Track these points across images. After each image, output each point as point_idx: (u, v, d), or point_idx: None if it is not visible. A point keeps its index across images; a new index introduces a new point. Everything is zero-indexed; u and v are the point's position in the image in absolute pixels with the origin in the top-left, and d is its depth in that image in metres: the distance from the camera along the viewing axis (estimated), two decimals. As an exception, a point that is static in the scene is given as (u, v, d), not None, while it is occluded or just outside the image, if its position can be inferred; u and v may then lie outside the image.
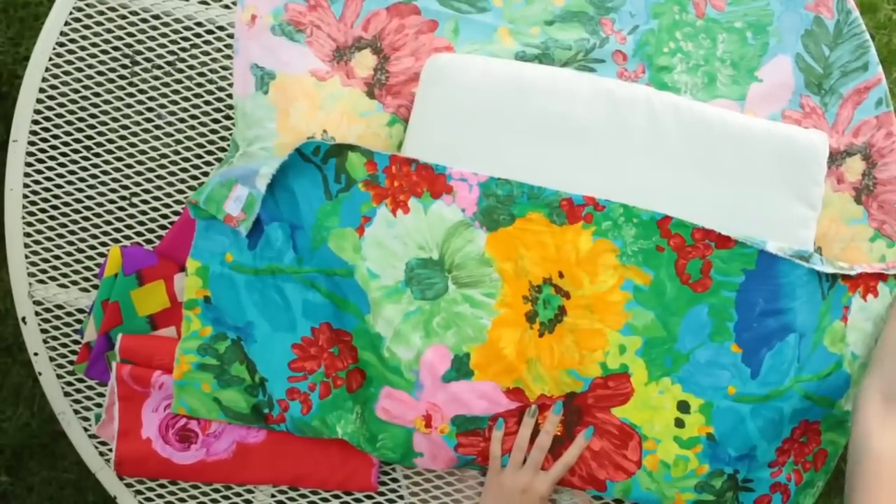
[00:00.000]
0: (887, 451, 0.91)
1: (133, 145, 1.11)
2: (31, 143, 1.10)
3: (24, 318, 1.10)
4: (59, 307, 1.11)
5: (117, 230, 1.11)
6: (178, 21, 1.09)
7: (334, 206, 1.02)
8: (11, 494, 1.63)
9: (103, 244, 1.11)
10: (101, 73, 1.10)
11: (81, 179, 1.10)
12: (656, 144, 1.03)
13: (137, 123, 1.11)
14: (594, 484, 1.04)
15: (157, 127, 1.10)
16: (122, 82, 1.10)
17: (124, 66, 1.10)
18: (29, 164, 1.10)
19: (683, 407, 1.02)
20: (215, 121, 1.10)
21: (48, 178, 1.10)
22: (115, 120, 1.10)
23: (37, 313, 1.11)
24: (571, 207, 1.01)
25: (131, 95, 1.10)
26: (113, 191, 1.11)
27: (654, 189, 1.03)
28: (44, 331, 1.11)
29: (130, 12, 1.09)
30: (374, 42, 1.05)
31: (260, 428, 1.07)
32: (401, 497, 1.12)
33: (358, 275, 1.01)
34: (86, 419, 1.12)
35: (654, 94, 1.04)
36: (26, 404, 1.64)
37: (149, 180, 1.11)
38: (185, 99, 1.10)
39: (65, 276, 1.11)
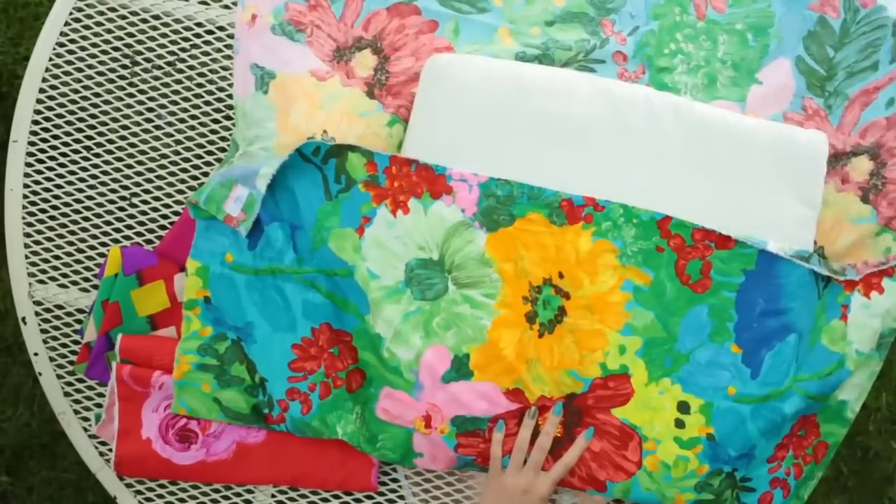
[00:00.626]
0: None
1: (133, 145, 1.11)
2: (31, 143, 1.10)
3: (24, 318, 1.10)
4: (59, 307, 1.11)
5: (117, 230, 1.11)
6: (178, 21, 1.10)
7: (334, 207, 1.02)
8: (11, 494, 1.63)
9: (103, 244, 1.11)
10: (101, 73, 1.10)
11: (81, 179, 1.10)
12: (656, 145, 1.03)
13: (137, 123, 1.11)
14: (594, 484, 1.04)
15: (157, 127, 1.10)
16: (122, 82, 1.10)
17: (124, 66, 1.10)
18: (29, 164, 1.10)
19: (683, 407, 1.02)
20: (215, 121, 1.10)
21: (48, 178, 1.10)
22: (115, 120, 1.10)
23: (37, 313, 1.11)
24: (571, 208, 1.01)
25: (131, 95, 1.10)
26: (113, 191, 1.11)
27: (654, 189, 1.02)
28: (44, 331, 1.11)
29: (130, 12, 1.09)
30: (374, 42, 1.05)
31: (260, 428, 1.07)
32: (401, 497, 1.12)
33: (358, 275, 1.01)
34: (86, 419, 1.12)
35: (654, 94, 1.03)
36: (26, 404, 1.64)
37: (149, 180, 1.11)
38: (185, 99, 1.10)
39: (65, 276, 1.11)
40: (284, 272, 1.03)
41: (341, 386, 1.04)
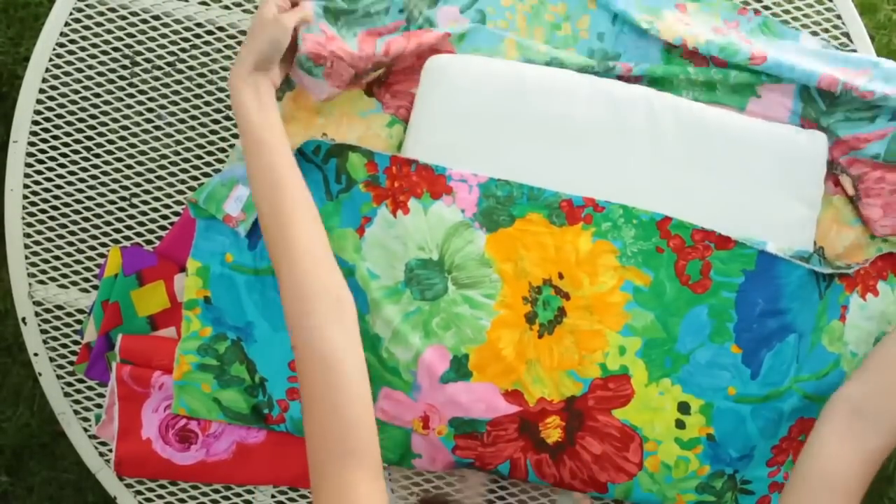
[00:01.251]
0: (830, 469, 0.92)
1: (133, 145, 1.11)
2: (31, 144, 1.10)
3: (24, 319, 1.10)
4: (59, 307, 1.11)
5: (117, 230, 1.11)
6: (178, 21, 1.10)
7: (335, 207, 1.02)
8: (11, 494, 1.63)
9: (103, 244, 1.11)
10: (101, 74, 1.10)
11: (81, 179, 1.10)
12: (656, 145, 1.03)
13: (137, 123, 1.11)
14: (595, 486, 1.04)
15: (157, 127, 1.10)
16: (122, 82, 1.10)
17: (124, 67, 1.10)
18: (29, 165, 1.10)
19: (684, 408, 1.02)
20: (215, 121, 1.10)
21: (48, 179, 1.10)
22: (115, 120, 1.10)
23: (37, 314, 1.11)
24: (571, 208, 1.01)
25: (131, 96, 1.10)
26: (113, 191, 1.11)
27: (653, 190, 1.02)
28: (44, 331, 1.11)
29: (130, 13, 1.09)
30: (391, 62, 1.04)
31: (260, 428, 1.07)
32: (402, 497, 1.12)
33: (358, 275, 1.01)
34: (86, 419, 1.12)
35: (654, 94, 1.03)
36: (26, 404, 1.64)
37: (149, 180, 1.11)
38: (185, 99, 1.10)
39: (65, 276, 1.11)
40: (284, 272, 1.03)
41: (341, 386, 1.04)
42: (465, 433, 1.02)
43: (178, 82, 1.10)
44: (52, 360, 1.11)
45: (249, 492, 1.12)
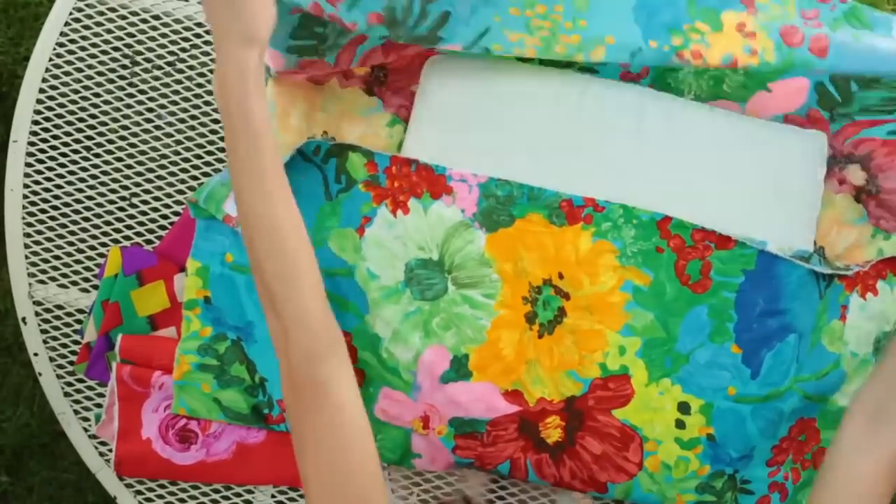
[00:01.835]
0: (854, 475, 0.92)
1: (133, 145, 1.11)
2: (31, 144, 1.10)
3: (24, 319, 1.11)
4: (59, 307, 1.11)
5: (117, 230, 1.11)
6: (178, 21, 1.10)
7: (335, 207, 1.02)
8: (11, 494, 1.63)
9: (103, 244, 1.11)
10: (101, 73, 1.10)
11: (81, 179, 1.10)
12: (654, 146, 1.03)
13: (137, 123, 1.11)
14: (595, 486, 1.04)
15: (157, 127, 1.11)
16: (122, 82, 1.10)
17: (124, 67, 1.10)
18: (29, 165, 1.10)
19: (684, 408, 1.02)
20: (215, 121, 1.10)
21: (48, 179, 1.10)
22: (115, 120, 1.10)
23: (37, 313, 1.11)
24: (571, 208, 1.01)
25: (131, 95, 1.10)
26: (113, 191, 1.11)
27: (653, 191, 1.02)
28: (44, 331, 1.11)
29: (130, 12, 1.09)
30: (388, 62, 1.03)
31: (260, 428, 1.07)
32: (402, 497, 1.12)
33: (358, 275, 1.01)
34: (86, 419, 1.12)
35: (651, 97, 1.03)
36: (26, 404, 1.64)
37: (149, 180, 1.11)
38: (185, 99, 1.10)
39: (65, 276, 1.11)
40: (284, 272, 1.02)
41: (341, 386, 1.04)
42: (465, 433, 1.02)
43: (178, 82, 1.10)
44: (52, 360, 1.11)
45: (249, 492, 1.12)
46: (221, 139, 1.10)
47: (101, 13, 1.09)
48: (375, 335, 1.01)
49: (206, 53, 1.10)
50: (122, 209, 1.11)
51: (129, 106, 1.10)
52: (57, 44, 1.09)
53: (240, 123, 0.78)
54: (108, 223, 1.11)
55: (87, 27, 1.09)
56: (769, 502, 1.05)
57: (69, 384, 1.12)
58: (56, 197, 1.10)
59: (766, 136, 1.03)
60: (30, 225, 1.10)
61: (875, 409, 0.93)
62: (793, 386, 1.02)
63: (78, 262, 1.11)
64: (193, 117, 1.10)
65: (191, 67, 1.10)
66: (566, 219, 1.01)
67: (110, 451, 1.10)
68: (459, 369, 1.00)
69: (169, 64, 1.10)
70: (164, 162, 1.11)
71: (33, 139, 1.10)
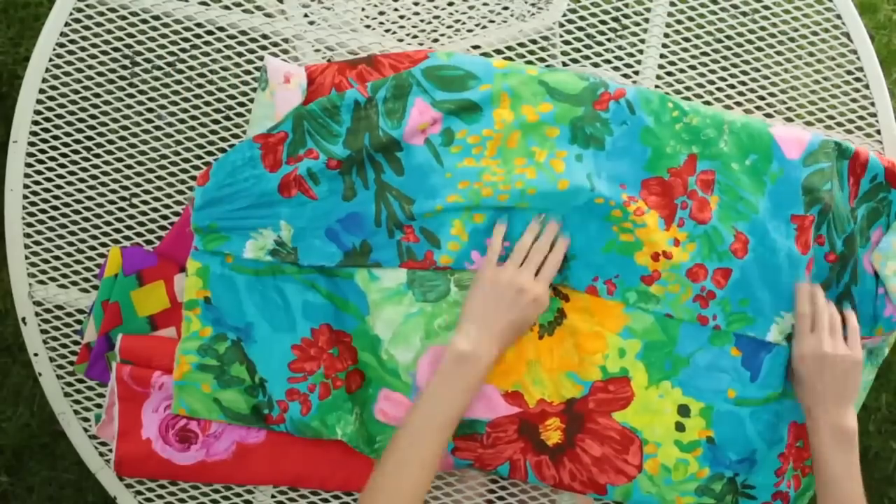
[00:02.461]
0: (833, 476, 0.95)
1: (133, 145, 1.11)
2: (31, 144, 1.09)
3: (24, 319, 1.10)
4: (59, 307, 1.11)
5: (117, 230, 1.11)
6: (178, 21, 1.09)
7: (335, 207, 1.02)
8: (11, 494, 1.64)
9: (103, 244, 1.11)
10: (101, 74, 1.10)
11: (81, 179, 1.10)
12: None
13: (137, 123, 1.10)
14: (594, 488, 1.04)
15: (157, 127, 1.10)
16: (122, 82, 1.10)
17: (124, 67, 1.10)
18: (29, 165, 1.10)
19: (684, 411, 1.02)
20: (215, 121, 1.10)
21: (48, 179, 1.10)
22: (115, 120, 1.10)
23: (37, 314, 1.11)
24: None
25: (131, 96, 1.10)
26: (113, 191, 1.11)
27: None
28: (44, 331, 1.11)
29: (130, 13, 1.09)
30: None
31: (260, 428, 1.07)
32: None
33: (358, 277, 1.01)
34: (86, 419, 1.12)
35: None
36: (26, 404, 1.64)
37: (149, 180, 1.11)
38: (185, 99, 1.10)
39: (65, 276, 1.11)
40: (284, 273, 1.02)
41: (341, 387, 1.04)
42: (464, 434, 1.02)
43: (178, 82, 1.10)
44: (52, 360, 1.11)
45: (249, 492, 1.12)
46: (221, 139, 1.10)
47: (101, 13, 1.09)
48: (375, 336, 1.01)
49: (206, 53, 1.10)
50: (122, 209, 1.11)
51: (128, 106, 1.10)
52: (57, 44, 1.09)
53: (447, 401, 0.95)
54: (108, 223, 1.11)
55: (87, 27, 1.09)
56: (771, 508, 1.05)
57: (69, 384, 1.12)
58: (56, 197, 1.10)
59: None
60: (30, 225, 1.10)
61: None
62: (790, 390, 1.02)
63: (78, 262, 1.11)
64: (193, 117, 1.10)
65: (191, 67, 1.10)
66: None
67: (110, 451, 1.10)
68: (460, 371, 1.00)
69: (169, 64, 1.10)
70: (164, 162, 1.11)
71: (33, 139, 1.09)
